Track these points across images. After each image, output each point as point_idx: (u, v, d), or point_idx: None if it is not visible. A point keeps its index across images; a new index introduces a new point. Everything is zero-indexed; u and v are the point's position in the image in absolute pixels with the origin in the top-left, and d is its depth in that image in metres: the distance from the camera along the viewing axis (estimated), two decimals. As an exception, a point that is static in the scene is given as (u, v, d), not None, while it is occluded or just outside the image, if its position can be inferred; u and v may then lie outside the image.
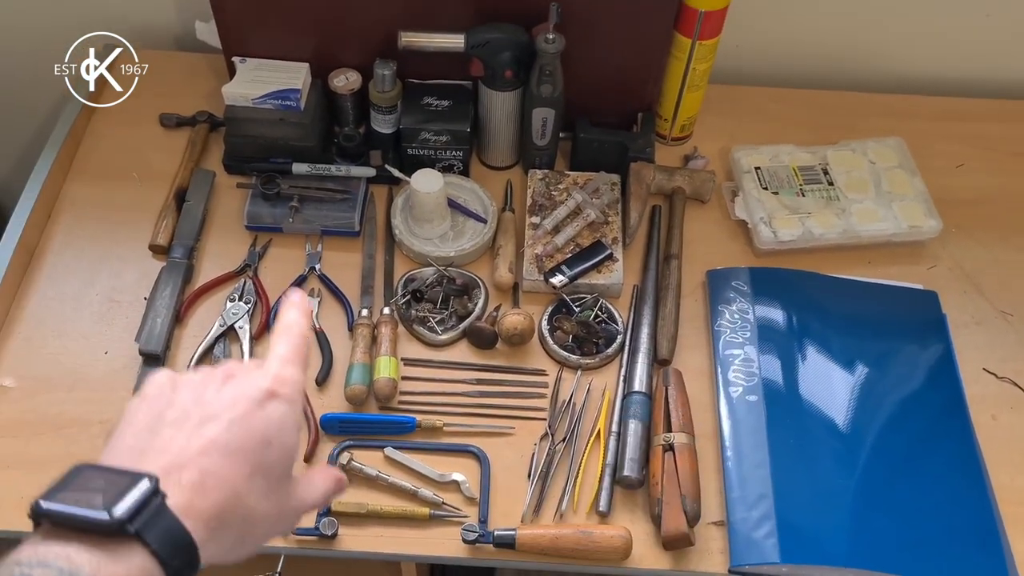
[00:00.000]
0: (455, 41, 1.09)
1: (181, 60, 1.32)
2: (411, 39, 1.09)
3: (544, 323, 1.07)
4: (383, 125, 1.19)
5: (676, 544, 0.90)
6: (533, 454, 0.98)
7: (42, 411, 0.99)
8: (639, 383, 1.01)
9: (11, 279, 1.08)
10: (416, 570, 1.08)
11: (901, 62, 1.38)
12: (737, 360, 1.04)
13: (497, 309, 1.09)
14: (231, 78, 1.17)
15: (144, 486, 0.47)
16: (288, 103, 1.15)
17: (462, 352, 1.07)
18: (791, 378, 1.02)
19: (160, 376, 0.58)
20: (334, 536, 0.91)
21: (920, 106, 1.36)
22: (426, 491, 0.94)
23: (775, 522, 0.91)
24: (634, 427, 0.97)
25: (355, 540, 0.92)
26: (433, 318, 1.07)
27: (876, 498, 0.94)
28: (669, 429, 0.96)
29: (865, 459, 0.97)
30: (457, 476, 0.95)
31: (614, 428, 0.99)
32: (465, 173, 1.21)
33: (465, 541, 0.90)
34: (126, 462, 0.51)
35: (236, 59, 1.17)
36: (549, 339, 1.06)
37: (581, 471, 0.97)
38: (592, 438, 0.99)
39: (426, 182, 1.10)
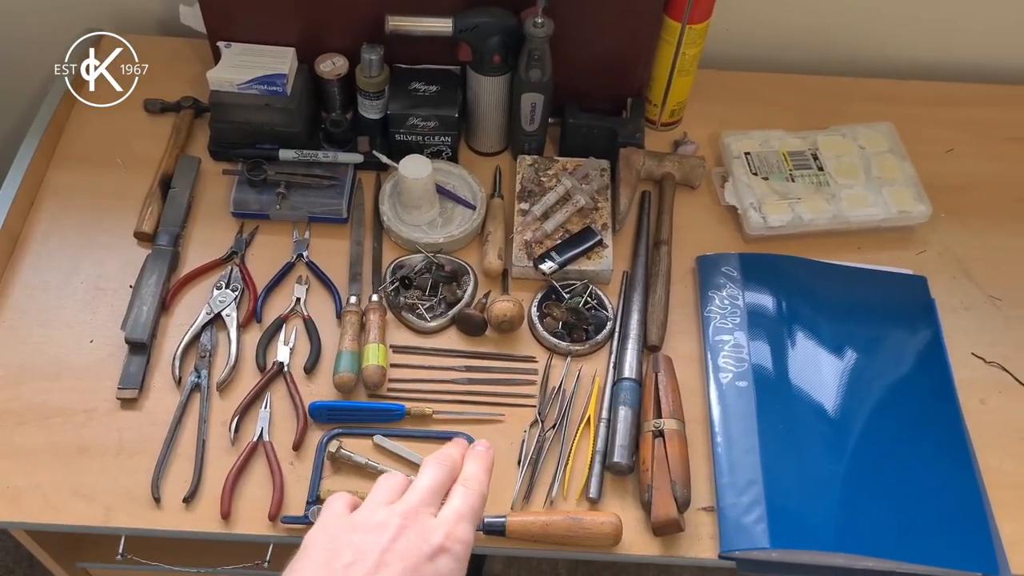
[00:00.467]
0: (443, 25, 1.08)
1: (165, 45, 1.31)
2: (398, 23, 1.08)
3: (533, 310, 1.07)
4: (370, 111, 1.17)
5: (666, 530, 0.90)
6: (523, 441, 0.98)
7: (27, 400, 0.98)
8: (629, 369, 1.01)
9: (-6, 267, 1.07)
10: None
11: (891, 47, 1.38)
12: (727, 346, 1.04)
13: (486, 296, 1.08)
14: (216, 63, 1.16)
15: None
16: (274, 88, 1.13)
17: (451, 339, 1.06)
18: (781, 363, 1.02)
19: (338, 505, 0.62)
20: (323, 524, 0.90)
21: (910, 91, 1.36)
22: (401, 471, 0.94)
23: (765, 507, 0.91)
24: (624, 413, 0.97)
25: (344, 528, 0.92)
26: (422, 305, 1.07)
27: (865, 483, 0.94)
28: (659, 415, 0.96)
29: (854, 444, 0.97)
30: (447, 463, 0.95)
31: (604, 414, 0.99)
32: (454, 159, 1.20)
33: (455, 528, 0.90)
34: None
35: (221, 44, 1.16)
36: (539, 326, 1.05)
37: (571, 458, 0.96)
38: (582, 425, 0.99)
39: (414, 168, 1.09)
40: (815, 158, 1.21)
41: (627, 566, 1.72)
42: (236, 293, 1.06)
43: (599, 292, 1.09)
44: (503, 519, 0.90)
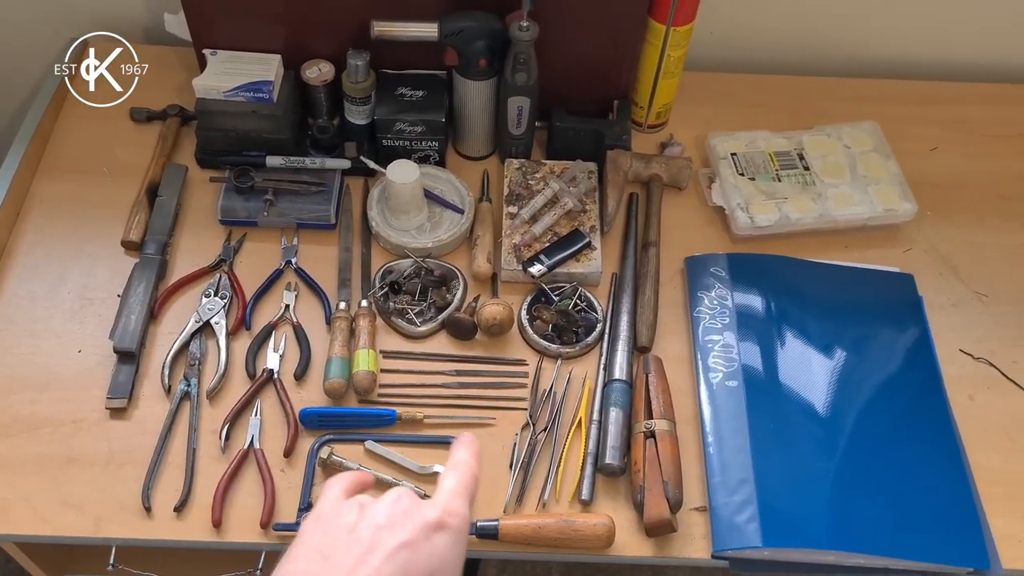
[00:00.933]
0: (428, 30, 1.08)
1: (150, 53, 1.30)
2: (384, 28, 1.08)
3: (523, 313, 1.07)
4: (357, 116, 1.17)
5: (659, 530, 0.90)
6: (514, 444, 0.98)
7: (15, 411, 0.98)
8: (619, 371, 1.01)
9: (-20, 278, 1.06)
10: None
11: (874, 46, 1.39)
12: (717, 346, 1.04)
13: (476, 300, 1.08)
14: (202, 71, 1.16)
15: None
16: (260, 95, 1.13)
17: (441, 343, 1.06)
18: (770, 363, 1.03)
19: (333, 491, 0.62)
20: (315, 531, 0.90)
21: (894, 90, 1.36)
22: (408, 483, 0.94)
23: (757, 506, 0.91)
24: (615, 415, 0.97)
25: (337, 534, 0.91)
26: (411, 310, 1.07)
27: (856, 480, 0.95)
28: (650, 416, 0.96)
29: (845, 442, 0.97)
30: (439, 468, 0.95)
31: (595, 416, 0.99)
32: (441, 163, 1.20)
33: (448, 533, 0.90)
34: None
35: (207, 51, 1.16)
36: (528, 329, 1.05)
37: (563, 460, 0.97)
38: (573, 427, 0.99)
39: (402, 173, 1.09)
40: (801, 158, 1.21)
41: (621, 568, 1.72)
42: (225, 301, 1.06)
43: (588, 294, 1.09)
44: (496, 523, 0.90)
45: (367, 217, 1.14)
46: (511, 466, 0.96)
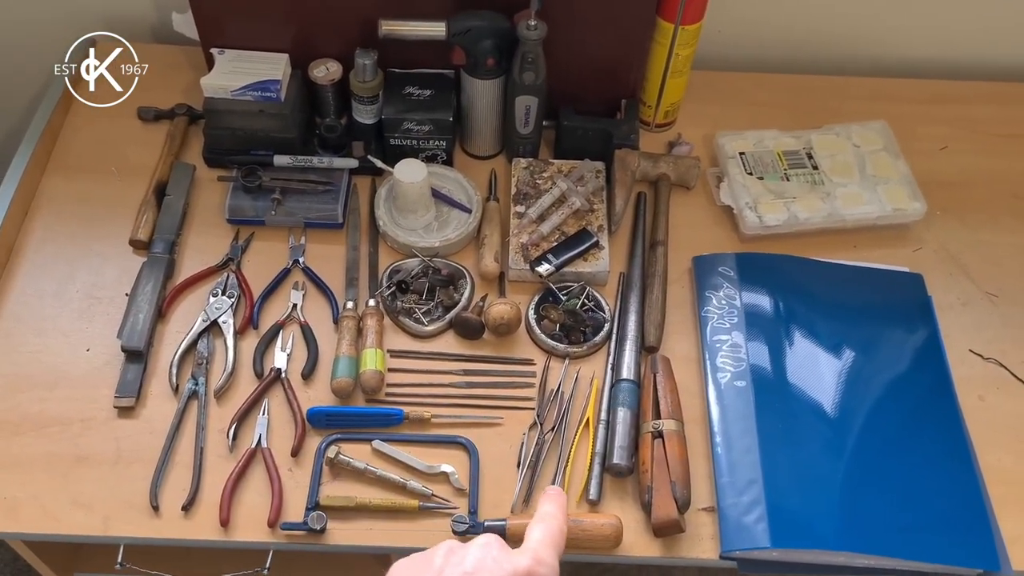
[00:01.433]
0: (436, 29, 1.08)
1: (158, 52, 1.30)
2: (392, 27, 1.08)
3: (531, 312, 1.06)
4: (365, 115, 1.17)
5: (667, 531, 0.90)
6: (522, 444, 0.97)
7: (23, 409, 0.98)
8: (627, 371, 1.01)
9: (-11, 277, 1.07)
10: (406, 563, 1.08)
11: (884, 46, 1.38)
12: (725, 346, 1.04)
13: (483, 299, 1.08)
14: (209, 70, 1.16)
15: None
16: (268, 94, 1.13)
17: (448, 343, 1.06)
18: (779, 363, 1.02)
19: (437, 547, 0.61)
20: (323, 530, 0.90)
21: (903, 89, 1.36)
22: (415, 483, 0.94)
23: (765, 507, 0.90)
24: (623, 415, 0.97)
25: (344, 534, 0.91)
26: (419, 309, 1.06)
27: (865, 481, 0.94)
28: (658, 416, 0.96)
29: (854, 442, 0.97)
30: (446, 467, 0.95)
31: (603, 416, 0.99)
32: (448, 163, 1.20)
33: (455, 532, 0.90)
34: None
35: (214, 50, 1.16)
36: (536, 328, 1.05)
37: (570, 460, 0.96)
38: (581, 427, 0.99)
39: (409, 172, 1.09)
40: (810, 157, 1.21)
41: (628, 569, 1.72)
42: (232, 300, 1.06)
43: (596, 294, 1.09)
44: (503, 522, 0.90)
45: (374, 216, 1.14)
46: (518, 465, 0.96)
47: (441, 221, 1.15)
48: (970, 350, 1.07)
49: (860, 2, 1.32)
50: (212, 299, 1.06)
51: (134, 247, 1.11)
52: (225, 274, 1.09)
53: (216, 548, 0.92)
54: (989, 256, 1.16)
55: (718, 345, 1.04)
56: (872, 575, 0.91)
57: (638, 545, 0.91)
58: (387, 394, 1.01)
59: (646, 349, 1.04)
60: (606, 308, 1.08)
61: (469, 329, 1.05)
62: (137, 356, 1.01)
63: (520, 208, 1.14)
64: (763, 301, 1.08)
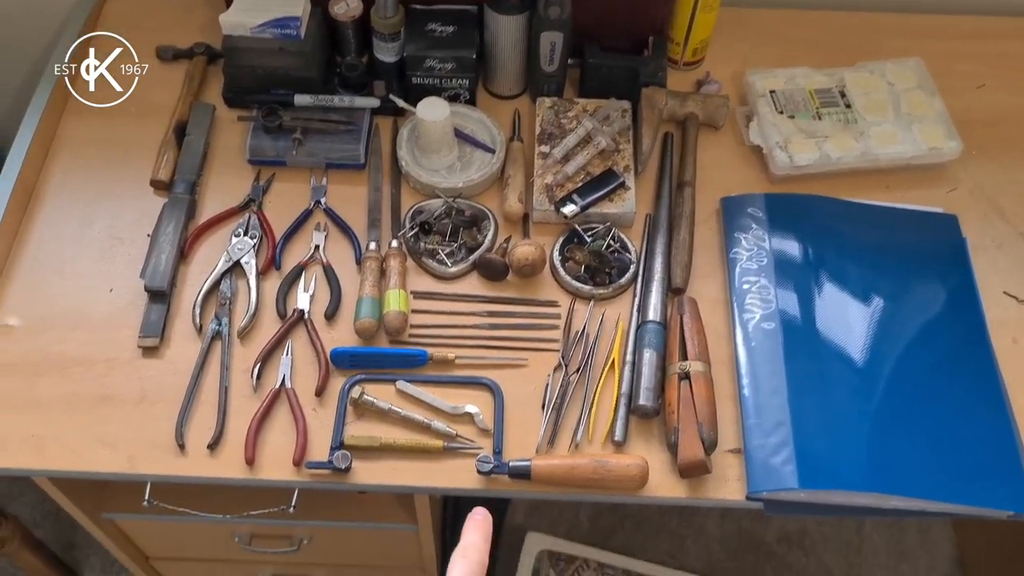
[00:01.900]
0: (459, -38, 1.05)
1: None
2: (413, -39, 1.05)
3: (555, 254, 1.05)
4: (386, 53, 1.15)
5: (693, 472, 0.89)
6: (547, 385, 0.97)
7: (45, 351, 0.98)
8: (653, 312, 0.99)
9: (10, 220, 1.06)
10: (429, 502, 1.08)
11: (920, -20, 1.34)
12: (753, 288, 1.02)
13: (507, 240, 1.06)
14: (228, 7, 1.13)
15: None
16: (287, 31, 1.11)
17: (472, 284, 1.05)
18: (808, 306, 1.00)
19: None
20: (347, 470, 0.90)
21: (939, 26, 1.31)
22: (440, 424, 0.93)
23: (792, 448, 0.90)
24: (649, 356, 0.96)
25: (369, 473, 0.92)
26: (442, 250, 1.05)
27: (895, 424, 0.93)
28: (685, 357, 0.94)
29: (884, 385, 0.95)
30: (471, 408, 0.94)
31: (628, 358, 0.98)
32: (471, 102, 1.18)
33: (480, 472, 0.90)
34: None
35: (232, -14, 1.13)
36: (561, 270, 1.04)
37: (596, 401, 0.95)
38: (606, 368, 0.98)
39: (432, 111, 1.06)
40: (842, 95, 1.17)
41: (649, 514, 1.72)
42: (255, 241, 1.05)
43: (622, 235, 1.07)
44: (528, 463, 0.89)
45: (396, 156, 1.12)
46: (543, 407, 0.95)
47: (464, 161, 1.13)
48: (1005, 292, 1.05)
49: (897, -66, 1.27)
50: (234, 240, 1.05)
51: (155, 188, 1.10)
52: (247, 215, 1.08)
53: (242, 486, 0.92)
54: (1026, 197, 1.13)
55: (746, 287, 1.02)
56: (899, 516, 0.90)
57: (664, 486, 0.91)
58: (410, 335, 1.00)
59: (673, 290, 1.03)
60: (632, 249, 1.06)
61: (493, 270, 1.03)
62: (160, 296, 1.00)
63: (545, 148, 1.12)
64: (792, 243, 1.05)
